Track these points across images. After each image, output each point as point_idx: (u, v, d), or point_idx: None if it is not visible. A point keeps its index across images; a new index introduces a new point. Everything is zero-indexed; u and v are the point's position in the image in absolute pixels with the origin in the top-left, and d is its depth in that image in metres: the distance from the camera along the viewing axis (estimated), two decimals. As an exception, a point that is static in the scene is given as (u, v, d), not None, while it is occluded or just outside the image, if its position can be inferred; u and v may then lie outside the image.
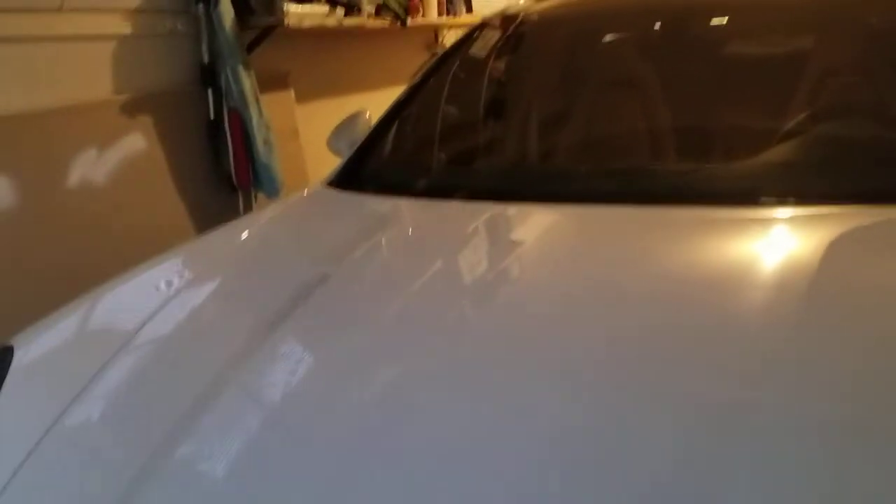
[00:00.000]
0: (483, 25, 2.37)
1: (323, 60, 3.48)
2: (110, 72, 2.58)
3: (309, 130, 3.28)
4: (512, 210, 1.51)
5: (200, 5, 2.76)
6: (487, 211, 1.51)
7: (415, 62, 3.84)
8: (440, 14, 3.86)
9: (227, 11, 2.74)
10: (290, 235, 1.68)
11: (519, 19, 2.31)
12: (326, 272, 1.30)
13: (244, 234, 1.72)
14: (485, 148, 2.05)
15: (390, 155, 1.99)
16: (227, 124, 2.81)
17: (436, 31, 4.31)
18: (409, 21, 3.52)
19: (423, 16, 3.67)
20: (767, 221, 1.28)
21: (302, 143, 3.30)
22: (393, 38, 3.77)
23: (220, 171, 2.87)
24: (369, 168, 1.90)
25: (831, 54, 1.88)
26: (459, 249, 1.39)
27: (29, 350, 1.21)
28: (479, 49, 2.36)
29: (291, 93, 3.27)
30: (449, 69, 2.27)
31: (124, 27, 2.61)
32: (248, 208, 2.95)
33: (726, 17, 2.01)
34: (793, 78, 1.83)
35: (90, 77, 2.52)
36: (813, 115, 1.65)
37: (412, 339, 1.06)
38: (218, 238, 1.66)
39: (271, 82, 3.12)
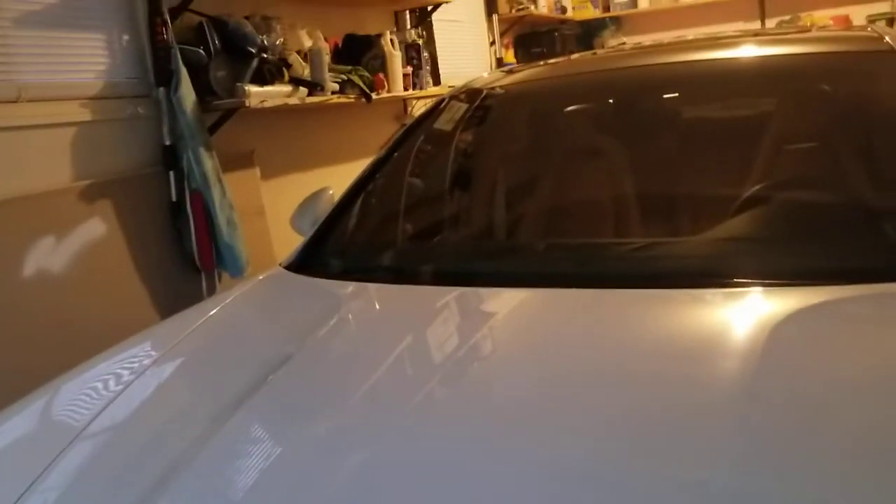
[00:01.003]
0: (445, 100, 2.38)
1: (289, 137, 3.50)
2: (69, 159, 2.58)
3: (276, 208, 3.27)
4: (472, 294, 1.49)
5: (161, 89, 2.77)
6: (448, 296, 1.49)
7: (384, 134, 3.87)
8: (406, 88, 3.90)
9: (187, 94, 2.76)
10: (240, 324, 1.64)
11: (482, 93, 2.33)
12: (266, 370, 1.27)
13: (198, 322, 1.68)
14: (445, 229, 2.04)
15: (348, 236, 1.97)
16: (189, 206, 2.80)
17: (405, 101, 4.36)
18: (375, 96, 3.56)
19: (389, 91, 3.71)
20: (727, 302, 1.27)
21: (269, 222, 3.30)
22: (360, 112, 3.81)
23: (184, 253, 2.85)
24: (327, 250, 1.88)
25: (787, 124, 1.90)
26: (416, 338, 1.36)
27: None
28: (441, 124, 2.37)
29: (257, 171, 3.27)
30: (411, 145, 2.27)
31: (83, 114, 2.62)
32: (212, 289, 2.92)
33: (686, 89, 2.04)
34: (751, 149, 1.85)
35: (48, 166, 2.51)
36: (776, 189, 1.66)
37: (376, 422, 1.05)
38: (173, 325, 1.62)
39: (236, 161, 3.13)
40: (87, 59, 2.67)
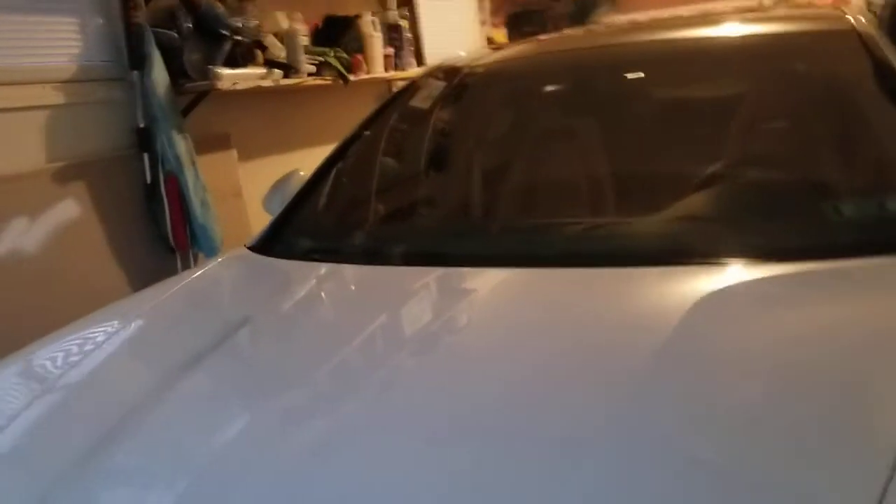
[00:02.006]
0: (418, 80, 2.40)
1: (267, 119, 3.54)
2: (43, 142, 2.63)
3: (254, 189, 3.31)
4: (435, 274, 1.52)
5: (135, 72, 2.82)
6: (408, 276, 1.53)
7: (364, 115, 3.89)
8: (387, 69, 3.93)
9: (160, 77, 2.80)
10: (193, 302, 1.70)
11: (457, 72, 2.35)
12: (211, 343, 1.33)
13: (156, 297, 1.74)
14: (412, 210, 2.07)
15: (313, 218, 2.00)
16: (163, 187, 2.86)
17: (389, 83, 4.38)
18: (353, 78, 3.59)
19: (368, 72, 3.73)
20: (667, 280, 1.31)
21: (246, 203, 3.35)
22: (340, 93, 3.84)
23: (158, 234, 2.91)
24: (291, 231, 1.91)
25: (741, 103, 1.93)
26: (367, 314, 1.39)
27: None
28: (414, 103, 2.40)
29: (234, 153, 3.32)
30: (382, 125, 2.30)
31: (57, 97, 2.67)
32: (187, 267, 2.97)
33: (650, 69, 2.06)
34: (706, 129, 1.89)
35: (21, 148, 2.56)
36: (722, 169, 1.69)
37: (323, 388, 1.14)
38: (134, 300, 1.73)
39: (213, 143, 3.18)
40: (60, 43, 2.72)
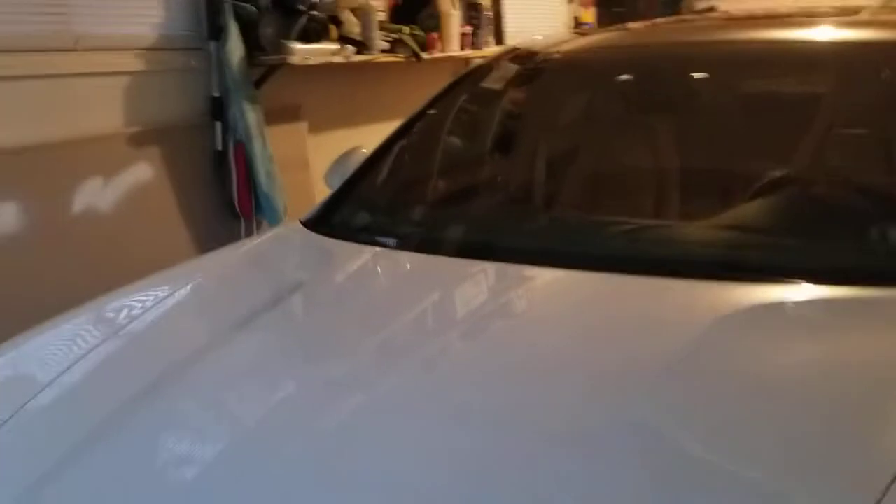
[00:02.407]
0: (487, 62, 2.39)
1: (340, 93, 3.61)
2: (122, 106, 2.78)
3: (322, 161, 3.40)
4: (483, 271, 1.52)
5: (213, 43, 2.93)
6: (457, 270, 1.52)
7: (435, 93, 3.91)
8: (463, 48, 3.94)
9: (235, 49, 2.90)
10: (236, 274, 1.76)
11: (530, 58, 2.33)
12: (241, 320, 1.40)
13: (199, 269, 1.84)
14: (464, 199, 2.03)
15: (367, 198, 2.01)
16: (232, 156, 2.97)
17: (467, 61, 4.38)
18: (426, 56, 3.61)
19: (443, 50, 3.75)
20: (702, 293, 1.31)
21: (315, 174, 3.44)
22: (414, 70, 3.87)
23: (225, 200, 3.04)
24: (345, 210, 1.93)
25: (829, 118, 1.87)
26: (397, 305, 1.42)
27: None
28: (482, 86, 2.40)
29: (304, 125, 3.41)
30: (445, 107, 2.31)
31: (137, 64, 2.81)
32: (250, 234, 3.10)
33: (736, 73, 1.98)
34: (792, 137, 1.83)
35: (101, 112, 2.71)
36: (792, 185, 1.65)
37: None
38: (180, 268, 1.79)
39: (283, 114, 3.28)
40: (144, 11, 2.85)
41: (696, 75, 2.05)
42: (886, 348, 1.13)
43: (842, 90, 1.85)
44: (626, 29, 2.57)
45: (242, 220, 3.09)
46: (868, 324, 1.22)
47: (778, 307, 1.26)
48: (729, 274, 1.33)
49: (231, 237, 3.06)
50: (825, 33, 2.01)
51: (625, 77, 2.20)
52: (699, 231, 1.58)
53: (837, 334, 1.20)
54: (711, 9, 6.03)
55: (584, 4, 5.62)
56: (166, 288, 1.62)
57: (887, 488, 0.82)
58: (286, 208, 3.11)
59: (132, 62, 2.79)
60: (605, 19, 5.79)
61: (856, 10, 2.14)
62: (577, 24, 5.49)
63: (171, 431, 1.11)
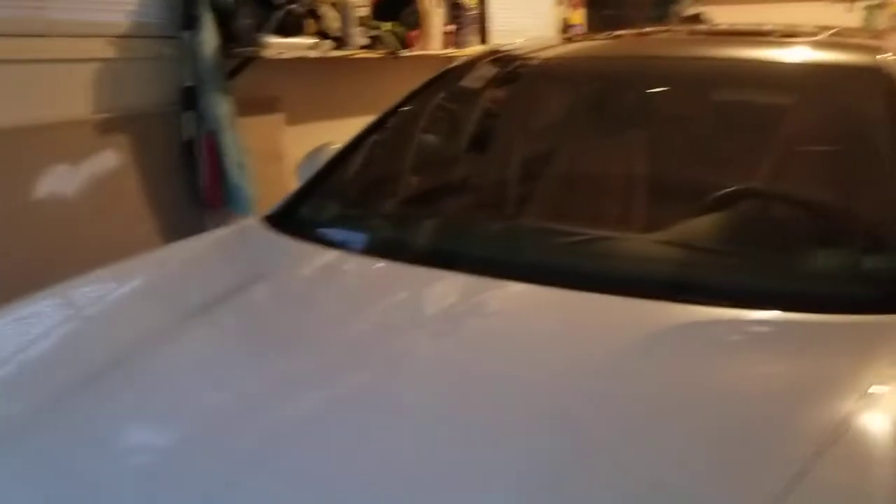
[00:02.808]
0: (461, 64, 2.39)
1: (319, 87, 3.61)
2: (92, 92, 2.77)
3: (299, 153, 3.40)
4: (423, 278, 1.52)
5: (187, 32, 2.93)
6: (413, 279, 1.51)
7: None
8: (446, 46, 3.94)
9: (208, 39, 2.90)
10: (188, 269, 1.75)
11: (506, 62, 2.32)
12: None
13: (162, 259, 1.86)
14: (428, 204, 2.03)
15: (331, 197, 2.03)
16: (202, 146, 2.98)
17: (448, 59, 4.39)
18: (406, 53, 3.62)
19: (424, 48, 3.76)
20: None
21: (291, 166, 3.44)
22: (395, 66, 3.87)
23: (194, 190, 3.04)
24: (307, 208, 1.95)
25: (735, 140, 1.89)
26: (348, 323, 1.40)
27: None
28: (454, 87, 2.40)
29: (280, 117, 3.42)
30: (415, 108, 2.32)
31: (110, 51, 2.80)
32: (218, 225, 3.10)
33: (708, 85, 2.02)
34: (718, 157, 1.86)
35: (72, 98, 2.71)
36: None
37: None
38: (131, 263, 1.78)
39: (259, 106, 3.28)
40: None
41: (663, 90, 2.07)
42: (791, 372, 1.16)
43: (765, 111, 1.88)
44: (610, 38, 2.58)
45: (210, 211, 3.10)
46: (775, 348, 1.25)
47: (691, 328, 1.28)
48: (654, 293, 1.35)
49: (199, 227, 3.07)
50: (769, 53, 2.05)
51: (595, 89, 2.22)
52: (636, 247, 1.60)
53: (742, 358, 1.22)
54: (698, 16, 6.07)
55: (573, 6, 5.63)
56: (106, 284, 1.64)
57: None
58: (258, 200, 3.12)
59: (104, 49, 2.79)
60: (594, 21, 5.80)
61: (815, 32, 2.17)
62: (566, 26, 5.49)
63: (108, 418, 1.13)
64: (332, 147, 2.23)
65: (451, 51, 3.98)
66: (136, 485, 0.98)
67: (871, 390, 1.07)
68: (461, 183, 2.20)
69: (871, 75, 1.75)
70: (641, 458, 0.97)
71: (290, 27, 3.09)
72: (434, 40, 3.83)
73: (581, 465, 0.96)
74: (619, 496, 0.91)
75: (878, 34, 2.16)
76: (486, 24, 4.44)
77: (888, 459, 0.96)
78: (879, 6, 5.46)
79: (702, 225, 1.63)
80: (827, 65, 1.92)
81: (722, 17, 5.97)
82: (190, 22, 2.92)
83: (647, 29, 2.75)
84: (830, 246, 1.51)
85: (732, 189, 1.67)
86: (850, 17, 5.64)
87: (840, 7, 5.73)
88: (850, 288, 1.40)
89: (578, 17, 5.65)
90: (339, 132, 2.47)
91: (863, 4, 5.61)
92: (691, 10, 6.19)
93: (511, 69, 2.31)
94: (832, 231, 1.57)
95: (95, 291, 1.62)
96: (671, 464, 0.96)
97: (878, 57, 1.82)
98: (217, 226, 3.05)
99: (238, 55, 3.03)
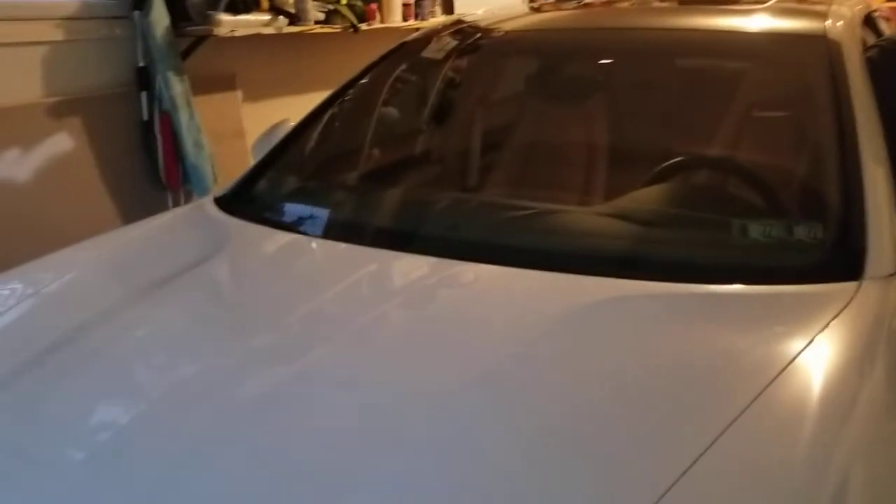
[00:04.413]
0: (416, 37, 2.38)
1: (275, 62, 3.60)
2: (42, 76, 2.76)
3: (258, 130, 3.41)
4: (363, 254, 1.54)
5: (137, 12, 2.91)
6: (362, 259, 1.52)
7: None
8: (406, 18, 3.92)
9: (160, 18, 2.89)
10: (119, 257, 1.75)
11: (466, 34, 2.31)
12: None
13: (107, 242, 1.86)
14: (377, 183, 2.03)
15: (283, 177, 2.03)
16: (157, 126, 2.97)
17: (414, 30, 4.37)
18: (365, 27, 3.61)
19: (382, 21, 3.74)
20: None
21: (250, 142, 3.44)
22: (354, 40, 3.86)
23: (152, 171, 3.05)
24: (259, 188, 1.95)
25: (692, 106, 1.92)
26: (294, 306, 1.41)
27: None
28: (412, 60, 2.40)
29: (238, 94, 3.41)
30: (367, 84, 2.32)
31: (59, 33, 2.79)
32: (177, 205, 3.11)
33: (662, 55, 2.02)
34: (658, 128, 1.89)
35: (20, 82, 2.70)
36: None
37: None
38: (97, 242, 1.83)
39: (216, 83, 3.28)
40: (65, -21, 2.82)
41: (614, 61, 2.10)
42: (716, 343, 1.18)
43: (707, 80, 1.90)
44: (578, 6, 2.57)
45: (169, 191, 3.10)
46: (701, 319, 1.26)
47: (621, 302, 1.30)
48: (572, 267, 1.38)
49: (161, 208, 3.08)
50: (713, 21, 2.06)
51: (550, 62, 2.23)
52: (574, 221, 1.62)
53: (668, 329, 1.25)
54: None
55: (541, -27, 5.58)
56: (48, 271, 1.66)
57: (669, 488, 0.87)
58: (217, 178, 3.12)
59: (52, 32, 2.77)
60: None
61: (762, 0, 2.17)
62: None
63: (59, 396, 1.16)
64: (288, 124, 2.23)
65: (413, 23, 3.97)
66: (85, 463, 1.01)
67: (796, 360, 1.07)
68: (412, 161, 2.22)
69: (816, 43, 1.74)
70: (560, 411, 1.02)
71: (241, 4, 3.07)
72: (395, 13, 3.81)
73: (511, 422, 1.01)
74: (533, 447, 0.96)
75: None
76: (451, -6, 4.42)
77: (808, 430, 0.97)
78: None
79: (640, 197, 1.65)
80: (773, 33, 1.91)
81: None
82: (140, 2, 2.90)
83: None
84: (763, 216, 1.51)
85: (671, 162, 1.70)
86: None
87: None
88: (780, 258, 1.40)
89: (547, -16, 5.60)
90: (300, 108, 2.47)
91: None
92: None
93: (470, 41, 2.31)
94: (766, 201, 1.59)
95: (45, 275, 1.63)
96: (592, 426, 1.00)
97: (825, 24, 1.80)
98: (176, 206, 3.07)
99: (190, 34, 3.01)
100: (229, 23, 2.98)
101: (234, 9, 3.04)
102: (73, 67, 2.84)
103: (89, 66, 2.89)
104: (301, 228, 1.70)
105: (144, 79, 2.97)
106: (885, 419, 1.02)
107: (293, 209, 1.84)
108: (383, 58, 2.31)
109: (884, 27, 2.27)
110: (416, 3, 4.01)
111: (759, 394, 0.99)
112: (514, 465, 0.95)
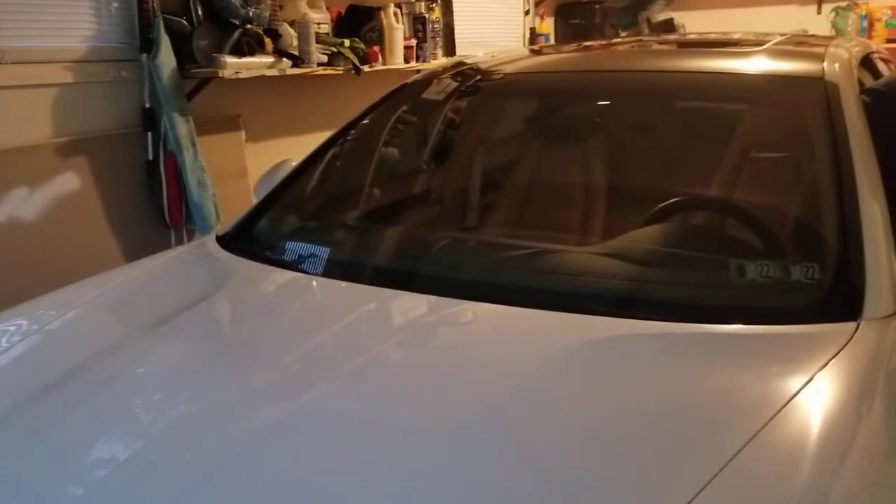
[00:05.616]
0: (415, 80, 2.40)
1: (279, 103, 3.65)
2: (51, 117, 2.81)
3: (262, 170, 3.44)
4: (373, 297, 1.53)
5: (144, 55, 2.97)
6: (364, 299, 1.53)
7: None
8: (408, 60, 3.98)
9: (166, 61, 2.95)
10: (122, 296, 1.76)
11: (465, 77, 2.33)
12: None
13: (107, 281, 1.85)
14: (378, 224, 2.03)
15: (284, 217, 2.05)
16: (162, 166, 3.01)
17: (415, 72, 4.43)
18: (367, 69, 3.66)
19: (384, 63, 3.80)
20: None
21: (253, 182, 3.48)
22: (357, 81, 3.92)
23: (156, 210, 3.08)
24: (261, 228, 1.97)
25: (694, 147, 1.93)
26: (294, 347, 1.41)
27: None
28: (410, 103, 2.42)
29: (241, 134, 3.46)
30: (369, 126, 2.34)
31: (68, 76, 2.84)
32: (180, 244, 3.14)
33: (662, 98, 2.03)
34: (662, 167, 1.90)
35: (30, 123, 2.74)
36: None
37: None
38: (101, 279, 1.82)
39: (220, 124, 3.32)
40: (76, 24, 2.88)
41: (613, 104, 2.10)
42: (714, 383, 1.19)
43: (705, 122, 1.92)
44: (577, 50, 2.61)
45: (172, 230, 3.13)
46: (699, 359, 1.27)
47: (618, 342, 1.31)
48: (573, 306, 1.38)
49: (162, 246, 3.10)
50: (717, 63, 2.09)
51: (550, 103, 2.25)
52: (572, 262, 1.62)
53: (667, 369, 1.25)
54: (670, 21, 6.13)
55: (541, 16, 5.68)
56: (51, 310, 1.67)
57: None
58: (220, 217, 3.15)
59: (63, 74, 2.82)
60: (562, 31, 5.86)
61: (760, 42, 2.20)
62: (534, 35, 5.54)
63: (62, 431, 1.17)
64: (290, 164, 2.25)
65: (414, 64, 4.02)
66: (85, 498, 1.02)
67: (793, 401, 1.07)
68: (412, 201, 2.23)
69: (813, 85, 1.75)
70: (558, 450, 1.03)
71: (247, 47, 3.12)
72: (397, 55, 3.87)
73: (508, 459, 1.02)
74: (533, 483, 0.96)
75: (828, 41, 2.18)
76: (453, 37, 4.49)
77: (805, 471, 0.97)
78: (847, 8, 5.52)
79: (638, 237, 1.67)
80: (771, 75, 1.94)
81: (692, 21, 6.04)
82: (147, 45, 2.96)
83: (614, 40, 2.78)
84: (761, 257, 1.52)
85: (669, 202, 1.72)
86: (820, 20, 5.69)
87: (809, 10, 5.80)
88: (778, 299, 1.41)
89: (546, 26, 5.70)
90: (302, 148, 2.50)
91: (831, 6, 5.67)
92: (662, 16, 6.25)
93: (470, 83, 2.34)
94: (764, 241, 1.59)
95: (49, 312, 1.64)
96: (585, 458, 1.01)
97: (823, 65, 1.81)
98: (179, 244, 3.09)
99: (196, 76, 3.07)
100: (234, 65, 3.04)
101: (239, 51, 3.10)
102: (81, 109, 2.89)
103: (97, 108, 2.94)
104: (302, 267, 1.72)
105: (150, 119, 3.02)
106: (883, 461, 1.02)
107: (294, 248, 1.86)
108: (384, 99, 2.34)
109: (882, 68, 2.29)
110: (417, 45, 4.07)
111: (756, 434, 0.99)
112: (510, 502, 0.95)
